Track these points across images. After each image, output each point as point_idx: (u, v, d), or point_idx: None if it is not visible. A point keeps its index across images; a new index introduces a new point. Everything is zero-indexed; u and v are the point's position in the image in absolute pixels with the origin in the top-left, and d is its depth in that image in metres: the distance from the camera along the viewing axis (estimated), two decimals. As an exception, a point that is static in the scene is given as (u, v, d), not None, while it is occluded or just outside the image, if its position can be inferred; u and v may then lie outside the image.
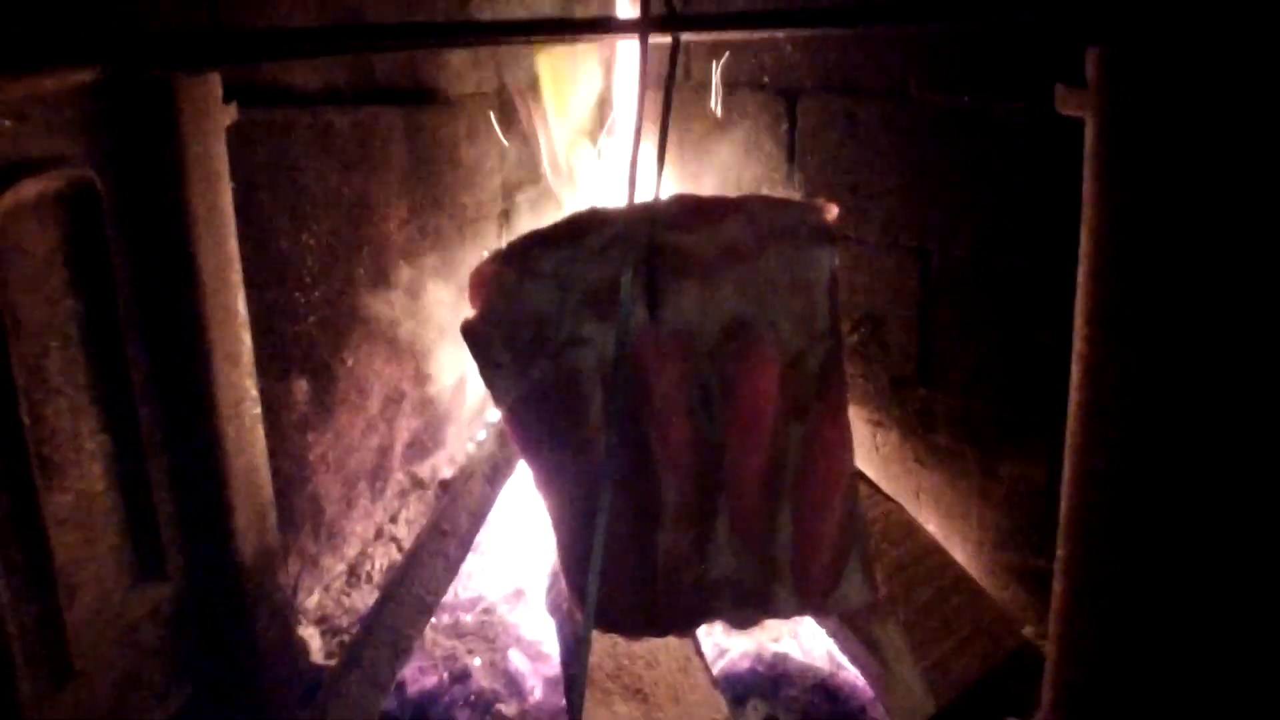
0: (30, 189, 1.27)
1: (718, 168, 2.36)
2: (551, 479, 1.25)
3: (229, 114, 1.53)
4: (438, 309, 2.40)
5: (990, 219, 2.02)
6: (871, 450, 2.33)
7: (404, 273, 2.29)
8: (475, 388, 2.61)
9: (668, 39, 1.28)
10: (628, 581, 1.21)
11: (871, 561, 1.24)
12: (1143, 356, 1.20)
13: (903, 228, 2.15)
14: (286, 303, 1.97)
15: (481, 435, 2.35)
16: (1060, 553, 1.34)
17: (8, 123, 1.18)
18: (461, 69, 2.38)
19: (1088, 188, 1.21)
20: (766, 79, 2.26)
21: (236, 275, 1.55)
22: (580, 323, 1.15)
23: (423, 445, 2.43)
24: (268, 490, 1.65)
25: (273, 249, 1.92)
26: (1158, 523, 1.26)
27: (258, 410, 1.61)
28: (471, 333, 1.18)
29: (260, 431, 1.62)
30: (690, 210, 1.15)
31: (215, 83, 1.47)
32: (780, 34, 2.05)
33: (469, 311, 1.25)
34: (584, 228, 1.15)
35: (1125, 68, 1.15)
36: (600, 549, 1.11)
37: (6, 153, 1.23)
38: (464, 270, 2.48)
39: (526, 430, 1.23)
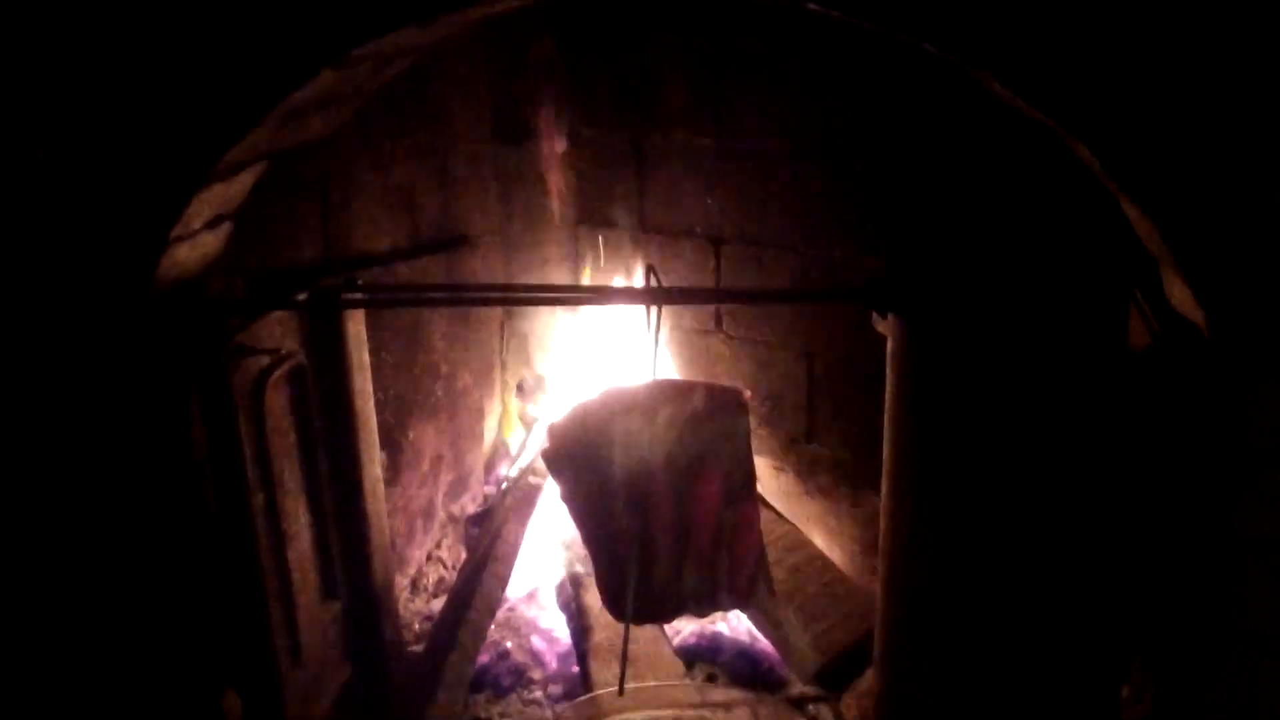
0: (278, 371, 2.13)
1: (674, 281, 3.21)
2: (591, 535, 2.13)
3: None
4: (465, 392, 3.26)
5: (849, 335, 2.76)
6: (776, 488, 3.13)
7: (443, 368, 3.14)
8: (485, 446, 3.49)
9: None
10: (639, 594, 2.12)
11: (771, 579, 2.17)
12: (918, 500, 1.95)
13: (795, 336, 2.97)
14: (374, 402, 2.80)
15: (504, 485, 3.23)
16: (879, 569, 2.27)
17: (282, 349, 2.04)
18: (476, 219, 3.24)
19: (889, 378, 2.03)
20: (699, 230, 3.11)
21: (371, 403, 2.42)
22: (610, 452, 2.04)
23: (455, 490, 3.27)
24: (386, 536, 2.52)
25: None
26: (928, 563, 2.07)
27: (381, 487, 2.48)
28: (547, 457, 2.07)
29: (383, 500, 2.49)
30: (671, 390, 2.06)
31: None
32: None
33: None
34: (611, 400, 2.05)
35: (905, 326, 1.83)
36: (632, 579, 2.02)
37: (273, 352, 2.09)
38: (478, 359, 3.33)
39: (579, 508, 2.10)
